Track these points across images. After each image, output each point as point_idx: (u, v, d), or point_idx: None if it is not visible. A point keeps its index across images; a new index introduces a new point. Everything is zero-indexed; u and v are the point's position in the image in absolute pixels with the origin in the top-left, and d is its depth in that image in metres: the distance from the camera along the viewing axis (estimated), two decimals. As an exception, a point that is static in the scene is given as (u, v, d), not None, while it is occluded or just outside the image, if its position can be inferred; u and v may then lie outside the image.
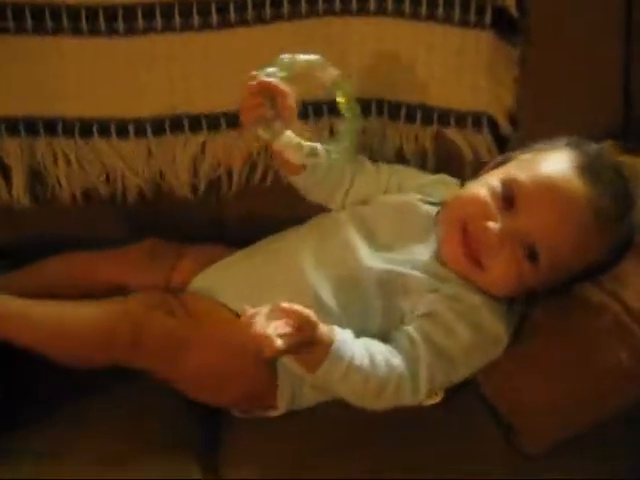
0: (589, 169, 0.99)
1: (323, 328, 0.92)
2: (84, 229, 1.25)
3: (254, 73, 1.04)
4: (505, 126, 1.24)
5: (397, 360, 0.96)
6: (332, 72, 1.06)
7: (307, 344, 0.89)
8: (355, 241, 1.07)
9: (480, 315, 1.00)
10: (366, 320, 1.02)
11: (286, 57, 1.04)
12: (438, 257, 1.04)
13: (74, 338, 1.02)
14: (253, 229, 1.22)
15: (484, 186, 1.02)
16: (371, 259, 1.04)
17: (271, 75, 1.04)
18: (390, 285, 1.01)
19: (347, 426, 1.07)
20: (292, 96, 1.04)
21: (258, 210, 1.27)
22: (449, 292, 1.00)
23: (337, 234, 1.09)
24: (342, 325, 0.97)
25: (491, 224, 0.98)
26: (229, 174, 1.26)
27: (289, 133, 1.04)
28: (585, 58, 1.24)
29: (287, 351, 0.86)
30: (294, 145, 1.03)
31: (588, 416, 1.02)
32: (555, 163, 1.00)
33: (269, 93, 1.02)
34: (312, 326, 0.89)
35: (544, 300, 1.06)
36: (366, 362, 0.94)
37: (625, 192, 1.03)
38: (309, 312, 0.89)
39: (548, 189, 0.98)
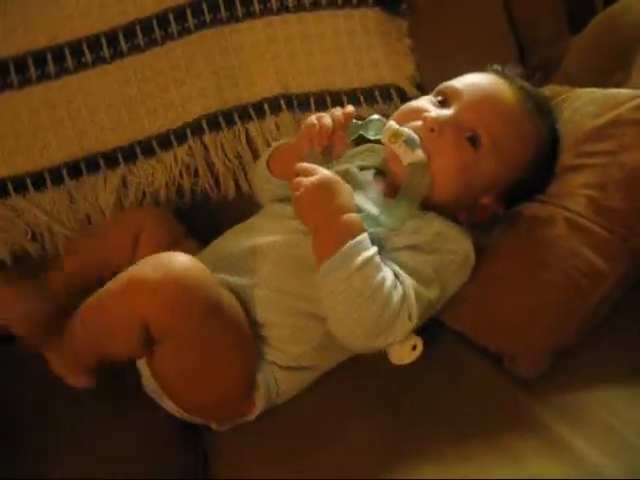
0: (506, 75, 1.06)
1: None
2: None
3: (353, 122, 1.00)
4: (412, 92, 1.26)
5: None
6: (418, 155, 0.97)
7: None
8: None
9: (446, 239, 0.99)
10: None
11: (380, 119, 1.00)
12: (388, 194, 1.03)
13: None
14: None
15: (419, 99, 1.05)
16: None
17: (361, 128, 1.00)
18: None
19: (330, 413, 1.00)
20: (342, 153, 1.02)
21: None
22: (410, 229, 0.99)
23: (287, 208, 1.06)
24: None
25: (427, 113, 1.00)
26: (156, 202, 1.23)
27: None
28: (470, 12, 1.28)
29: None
30: None
31: (570, 321, 0.99)
32: (478, 74, 1.06)
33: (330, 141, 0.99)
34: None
35: (496, 223, 1.04)
36: (382, 264, 0.91)
37: (538, 94, 1.06)
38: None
39: (477, 86, 1.03)
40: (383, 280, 0.90)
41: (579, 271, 0.98)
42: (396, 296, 0.90)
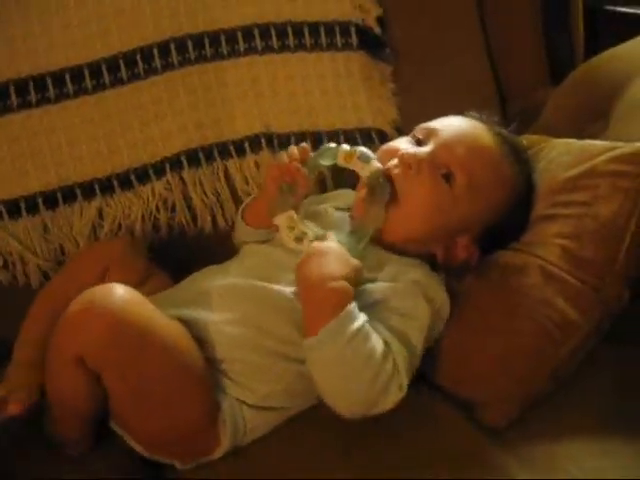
0: (482, 119, 1.08)
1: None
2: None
3: (307, 154, 1.04)
4: (393, 135, 1.26)
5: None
6: (374, 165, 1.01)
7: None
8: (278, 255, 1.04)
9: (424, 287, 0.98)
10: None
11: (332, 146, 1.04)
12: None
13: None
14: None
15: (397, 140, 1.08)
16: None
17: (317, 159, 1.04)
18: None
19: (300, 454, 0.99)
20: (307, 189, 1.05)
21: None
22: (388, 275, 0.99)
23: (259, 254, 1.07)
24: None
25: (404, 150, 1.02)
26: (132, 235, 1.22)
27: (291, 214, 1.01)
28: (452, 59, 1.30)
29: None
30: (287, 227, 1.01)
31: (541, 371, 0.98)
32: (456, 117, 1.08)
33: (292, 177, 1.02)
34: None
35: (469, 270, 1.04)
36: (372, 333, 0.90)
37: (514, 140, 1.08)
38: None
39: (454, 126, 1.05)
40: (373, 352, 0.89)
41: (551, 321, 0.98)
42: (387, 368, 0.89)
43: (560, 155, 1.08)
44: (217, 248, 1.16)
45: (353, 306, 0.90)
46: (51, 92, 1.19)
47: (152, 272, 1.11)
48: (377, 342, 0.90)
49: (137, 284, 1.06)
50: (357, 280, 0.93)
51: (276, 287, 1.00)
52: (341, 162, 1.02)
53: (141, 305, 0.93)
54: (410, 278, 0.98)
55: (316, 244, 0.95)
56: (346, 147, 1.02)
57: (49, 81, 1.18)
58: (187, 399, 0.94)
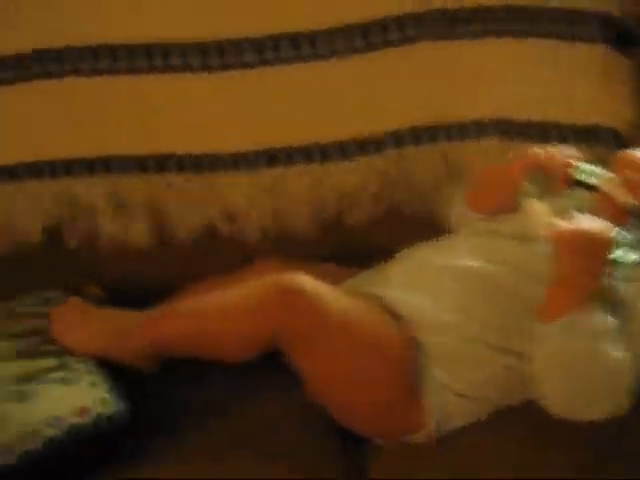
0: None
1: None
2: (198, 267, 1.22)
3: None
4: (627, 137, 1.20)
5: None
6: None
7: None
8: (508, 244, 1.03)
9: None
10: None
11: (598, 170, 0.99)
12: None
13: (227, 310, 0.99)
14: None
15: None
16: None
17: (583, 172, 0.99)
18: None
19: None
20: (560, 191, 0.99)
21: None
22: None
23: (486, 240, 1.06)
24: None
25: None
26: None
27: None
28: None
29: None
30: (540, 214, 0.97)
31: None
32: None
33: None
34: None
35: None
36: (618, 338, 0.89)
37: None
38: None
39: None
40: (618, 359, 0.87)
41: None
42: (626, 380, 0.88)
43: None
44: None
45: (601, 304, 0.88)
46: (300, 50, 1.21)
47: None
48: (622, 349, 0.87)
49: None
50: None
51: (495, 271, 0.99)
52: (604, 187, 0.96)
53: (334, 294, 0.96)
54: None
55: (606, 225, 0.90)
56: (608, 173, 0.97)
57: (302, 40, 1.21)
58: (381, 380, 0.96)
